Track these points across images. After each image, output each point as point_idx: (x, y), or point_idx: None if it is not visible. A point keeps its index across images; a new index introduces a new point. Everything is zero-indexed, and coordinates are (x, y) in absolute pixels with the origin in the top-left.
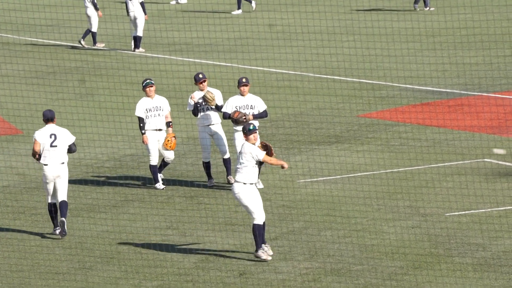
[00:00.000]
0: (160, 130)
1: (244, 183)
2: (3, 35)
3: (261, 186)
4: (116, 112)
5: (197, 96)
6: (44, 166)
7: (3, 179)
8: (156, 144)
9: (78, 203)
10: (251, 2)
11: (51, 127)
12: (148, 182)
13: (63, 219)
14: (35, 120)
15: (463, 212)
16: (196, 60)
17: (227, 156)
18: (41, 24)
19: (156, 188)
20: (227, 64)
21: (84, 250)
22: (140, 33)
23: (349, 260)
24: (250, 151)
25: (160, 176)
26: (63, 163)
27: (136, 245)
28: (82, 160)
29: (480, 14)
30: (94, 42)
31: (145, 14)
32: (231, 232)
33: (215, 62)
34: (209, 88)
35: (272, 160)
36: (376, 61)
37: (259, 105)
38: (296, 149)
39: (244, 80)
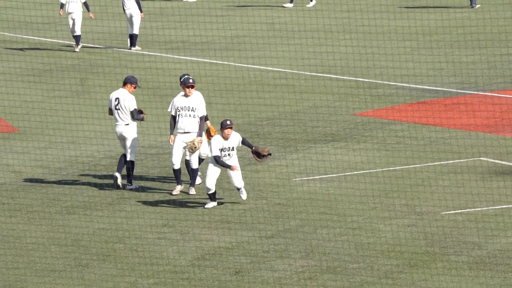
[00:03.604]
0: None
1: None
2: None
3: (244, 196)
4: None
5: (178, 101)
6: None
7: None
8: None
9: (74, 201)
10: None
11: (119, 92)
12: (145, 179)
13: (116, 174)
14: (31, 117)
15: (459, 211)
16: (192, 58)
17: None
18: (37, 22)
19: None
20: (224, 62)
21: (80, 247)
22: (136, 31)
23: (345, 258)
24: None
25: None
26: (127, 124)
27: (132, 242)
28: (78, 157)
29: (477, 13)
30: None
31: (141, 12)
32: (227, 230)
33: (211, 60)
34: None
35: None
36: (372, 60)
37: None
38: (292, 147)
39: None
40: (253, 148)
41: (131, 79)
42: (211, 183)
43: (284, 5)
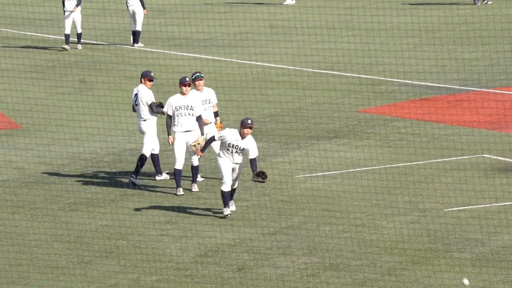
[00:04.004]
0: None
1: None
2: (2, 29)
3: (233, 208)
4: (116, 107)
5: (174, 100)
6: None
7: (2, 173)
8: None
9: (77, 198)
10: None
11: (138, 87)
12: (148, 175)
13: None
14: (34, 114)
15: (462, 208)
16: (195, 55)
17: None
18: (40, 18)
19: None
20: (227, 59)
21: (83, 244)
22: (139, 27)
23: (348, 255)
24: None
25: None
26: (144, 120)
27: (135, 239)
28: (81, 154)
29: (480, 9)
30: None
31: (144, 8)
32: (230, 226)
33: (214, 57)
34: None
35: None
36: (375, 56)
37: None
38: (295, 144)
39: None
40: (255, 172)
41: (143, 73)
42: (229, 180)
43: (285, 3)
